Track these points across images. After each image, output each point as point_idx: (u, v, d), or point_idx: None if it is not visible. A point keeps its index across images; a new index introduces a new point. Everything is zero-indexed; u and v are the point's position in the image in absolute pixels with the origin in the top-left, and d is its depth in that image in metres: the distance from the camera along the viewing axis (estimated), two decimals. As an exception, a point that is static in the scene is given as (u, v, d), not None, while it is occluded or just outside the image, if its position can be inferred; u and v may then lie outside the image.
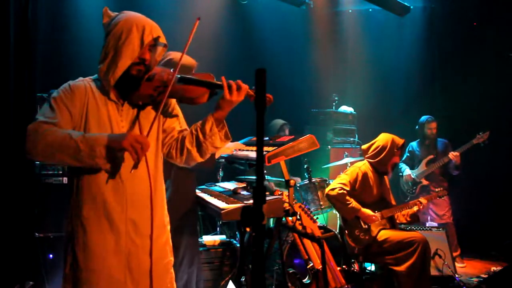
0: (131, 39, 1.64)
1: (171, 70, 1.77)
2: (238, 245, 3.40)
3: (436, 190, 3.85)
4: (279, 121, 4.88)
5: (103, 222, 1.63)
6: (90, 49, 4.07)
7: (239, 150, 2.92)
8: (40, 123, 1.56)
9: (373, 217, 3.44)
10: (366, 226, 3.46)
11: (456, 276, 4.03)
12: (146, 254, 1.70)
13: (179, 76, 1.73)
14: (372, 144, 3.67)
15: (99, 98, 1.69)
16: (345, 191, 3.43)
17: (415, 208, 3.59)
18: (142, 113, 1.76)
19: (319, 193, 4.10)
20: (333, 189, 3.45)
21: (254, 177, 3.82)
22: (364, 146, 3.76)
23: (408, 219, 3.64)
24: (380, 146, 3.60)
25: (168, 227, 1.86)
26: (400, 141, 3.60)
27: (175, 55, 2.53)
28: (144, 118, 1.76)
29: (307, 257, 2.76)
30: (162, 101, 1.68)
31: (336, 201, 3.45)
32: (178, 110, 1.90)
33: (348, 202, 3.40)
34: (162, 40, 1.75)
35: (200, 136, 1.78)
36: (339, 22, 6.36)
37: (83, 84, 1.70)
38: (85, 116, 1.65)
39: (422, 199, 3.64)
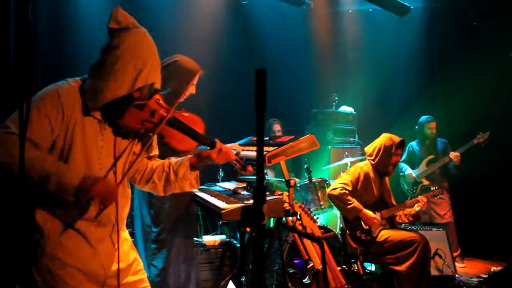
0: (122, 76, 1.52)
1: (167, 107, 1.69)
2: (238, 245, 3.40)
3: (432, 188, 3.85)
4: (269, 121, 4.88)
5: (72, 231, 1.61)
6: (90, 49, 4.07)
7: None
8: (10, 136, 1.42)
9: (374, 219, 3.44)
10: (367, 227, 3.45)
11: (456, 276, 4.03)
12: (114, 260, 1.71)
13: (172, 118, 1.69)
14: (372, 145, 3.68)
15: (84, 110, 1.58)
16: (346, 191, 3.43)
17: (417, 208, 3.58)
18: (119, 138, 1.69)
19: (319, 193, 4.10)
20: (334, 189, 3.45)
21: (254, 177, 3.82)
22: (366, 148, 3.76)
23: (411, 219, 3.63)
24: (377, 147, 3.61)
25: (127, 233, 1.85)
26: (396, 139, 3.57)
27: (181, 58, 2.52)
28: (120, 141, 1.70)
29: (307, 257, 2.76)
30: (146, 141, 1.66)
31: (338, 201, 3.44)
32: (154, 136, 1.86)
33: (349, 202, 3.40)
34: (157, 85, 1.63)
35: (172, 176, 1.78)
36: (339, 22, 6.35)
37: (72, 94, 1.57)
38: (70, 129, 1.55)
39: (422, 197, 3.63)
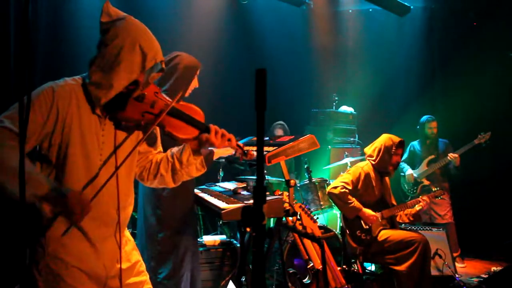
0: (131, 60, 1.55)
1: (166, 98, 1.70)
2: (238, 245, 3.40)
3: (433, 189, 3.85)
4: (274, 124, 4.90)
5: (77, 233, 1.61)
6: (91, 48, 4.06)
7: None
8: (3, 130, 1.44)
9: (374, 218, 3.44)
10: (367, 227, 3.45)
11: (456, 276, 4.03)
12: (117, 260, 1.70)
13: (171, 108, 1.69)
14: (372, 146, 3.68)
15: (83, 107, 1.59)
16: (347, 190, 3.43)
17: (418, 208, 3.59)
18: (119, 132, 1.70)
19: (319, 193, 4.10)
20: (335, 188, 3.45)
21: (254, 177, 3.82)
22: (366, 149, 3.76)
23: (411, 218, 3.63)
24: (377, 147, 3.61)
25: (129, 233, 1.85)
26: (396, 139, 3.58)
27: (181, 54, 2.53)
28: (121, 135, 1.70)
29: (307, 257, 2.76)
30: (147, 131, 1.66)
31: (338, 200, 3.44)
32: (157, 131, 1.87)
33: (349, 201, 3.40)
34: (163, 64, 1.68)
35: (177, 164, 1.79)
36: (339, 22, 6.36)
37: (69, 91, 1.58)
38: (67, 125, 1.56)
39: (424, 197, 3.64)
